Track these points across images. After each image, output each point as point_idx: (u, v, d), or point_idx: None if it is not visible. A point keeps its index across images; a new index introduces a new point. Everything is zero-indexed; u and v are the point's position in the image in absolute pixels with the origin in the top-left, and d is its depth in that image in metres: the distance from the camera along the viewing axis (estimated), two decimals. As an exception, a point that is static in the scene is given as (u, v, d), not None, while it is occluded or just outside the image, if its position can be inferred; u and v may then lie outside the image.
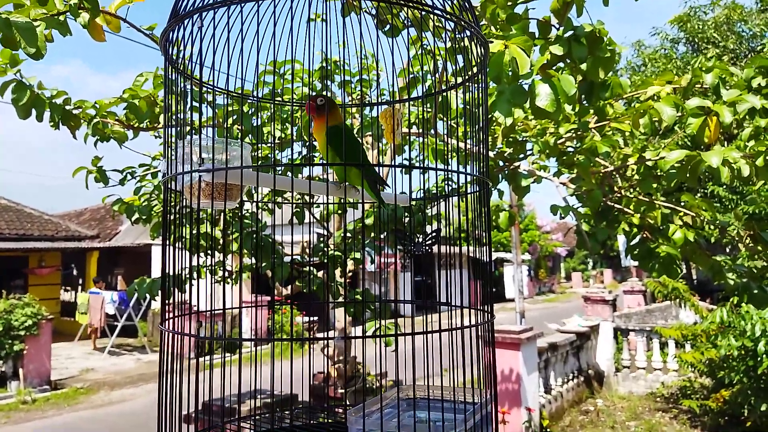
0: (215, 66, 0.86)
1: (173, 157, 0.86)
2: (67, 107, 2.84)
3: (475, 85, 1.04)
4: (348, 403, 1.38)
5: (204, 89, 0.93)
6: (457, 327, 0.85)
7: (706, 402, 7.57)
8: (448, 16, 0.86)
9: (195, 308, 0.96)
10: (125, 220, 17.72)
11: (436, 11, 0.87)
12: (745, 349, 6.71)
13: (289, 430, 1.13)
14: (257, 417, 1.14)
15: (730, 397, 7.17)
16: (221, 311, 1.22)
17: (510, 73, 1.87)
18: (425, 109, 2.96)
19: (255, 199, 3.32)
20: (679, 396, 8.54)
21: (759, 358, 6.51)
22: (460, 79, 1.11)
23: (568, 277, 34.05)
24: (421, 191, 2.94)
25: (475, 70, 1.01)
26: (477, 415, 0.87)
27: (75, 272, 16.40)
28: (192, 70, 0.85)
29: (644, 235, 2.95)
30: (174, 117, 0.89)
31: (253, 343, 12.27)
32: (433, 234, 1.02)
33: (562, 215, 2.65)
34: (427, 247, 1.00)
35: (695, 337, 7.87)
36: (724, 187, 10.51)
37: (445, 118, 2.51)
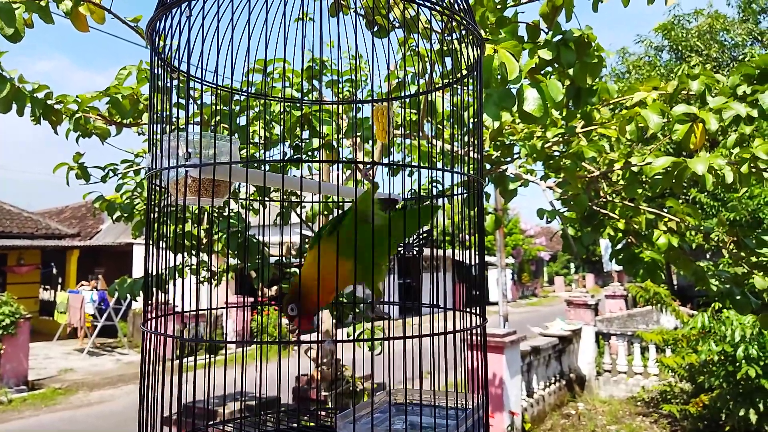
0: (203, 58, 0.83)
1: (158, 153, 0.83)
2: (49, 102, 2.78)
3: (465, 87, 1.02)
4: (332, 405, 1.36)
5: (191, 83, 0.90)
6: (451, 331, 0.84)
7: (685, 407, 7.65)
8: (442, 9, 0.85)
9: (177, 309, 0.93)
10: (106, 218, 17.53)
11: (434, 6, 0.85)
12: (725, 354, 6.80)
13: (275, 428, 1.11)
14: (241, 420, 1.12)
15: (709, 402, 7.26)
16: (205, 311, 1.19)
17: (499, 78, 1.86)
18: (411, 111, 2.95)
19: (240, 198, 3.29)
20: (659, 400, 8.62)
21: (738, 364, 6.60)
22: (448, 81, 1.10)
23: (551, 281, 34.28)
24: (410, 192, 2.92)
25: (465, 72, 1.00)
26: (469, 420, 0.86)
27: (55, 271, 16.15)
28: (180, 61, 0.83)
29: (629, 240, 2.96)
30: (159, 113, 0.86)
31: (236, 345, 12.19)
32: (425, 235, 1.00)
33: (549, 219, 2.65)
34: (417, 248, 0.99)
35: (676, 341, 7.96)
36: (706, 194, 10.65)
37: (432, 121, 2.50)
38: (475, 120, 1.04)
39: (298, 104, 2.36)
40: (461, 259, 0.97)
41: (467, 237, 0.94)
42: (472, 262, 0.91)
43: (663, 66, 14.57)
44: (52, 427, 7.57)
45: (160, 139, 0.83)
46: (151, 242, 0.87)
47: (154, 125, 0.85)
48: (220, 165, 0.80)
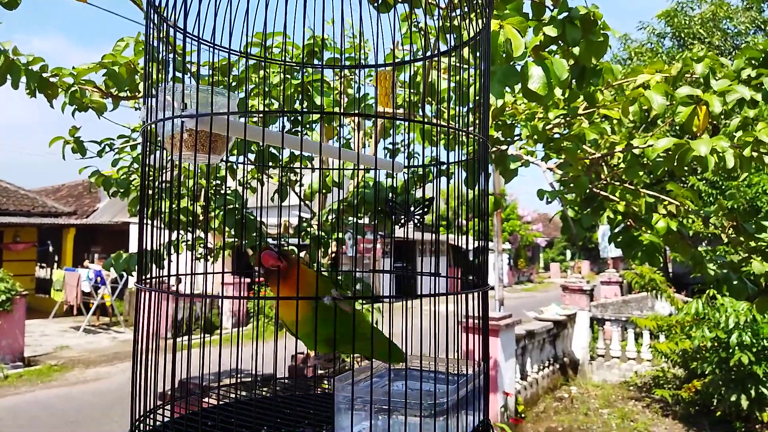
0: (200, 19, 0.80)
1: (153, 105, 0.80)
2: (44, 75, 2.74)
3: (470, 53, 1.00)
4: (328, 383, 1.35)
5: (188, 43, 0.87)
6: (458, 291, 0.82)
7: (678, 392, 7.72)
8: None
9: (173, 284, 0.91)
10: (103, 197, 17.45)
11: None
12: (718, 340, 6.84)
13: (272, 399, 1.10)
14: (236, 386, 1.11)
15: (701, 388, 7.32)
16: (201, 290, 1.17)
17: (503, 54, 1.83)
18: (412, 91, 2.91)
19: (238, 177, 3.26)
20: (651, 385, 8.69)
21: (731, 350, 6.65)
22: (454, 44, 1.07)
23: (547, 267, 34.41)
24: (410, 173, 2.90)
25: (471, 35, 0.97)
26: (469, 385, 0.85)
27: (51, 249, 16.11)
28: (177, 18, 0.80)
29: (628, 223, 2.95)
30: (156, 66, 0.83)
31: (231, 324, 12.21)
32: (427, 203, 0.98)
33: (549, 199, 2.64)
34: (419, 217, 0.97)
35: (670, 327, 8.01)
36: (705, 182, 10.65)
37: (433, 101, 2.47)
38: (479, 97, 1.01)
39: (297, 73, 2.32)
40: (457, 243, 0.95)
41: (465, 220, 0.92)
42: (476, 229, 0.89)
43: (665, 53, 14.48)
44: (48, 403, 7.59)
45: (156, 90, 0.80)
46: (145, 200, 0.84)
47: (149, 79, 0.82)
48: (217, 115, 0.76)
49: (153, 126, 0.81)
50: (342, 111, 2.26)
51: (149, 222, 0.88)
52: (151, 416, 0.85)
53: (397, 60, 1.20)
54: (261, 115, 2.25)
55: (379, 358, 0.94)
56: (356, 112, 2.34)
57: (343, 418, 0.83)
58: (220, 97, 0.85)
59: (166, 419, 0.87)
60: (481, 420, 0.86)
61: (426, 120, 1.80)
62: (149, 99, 0.79)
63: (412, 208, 0.97)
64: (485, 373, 0.85)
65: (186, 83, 0.82)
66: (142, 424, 0.82)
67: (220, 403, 1.06)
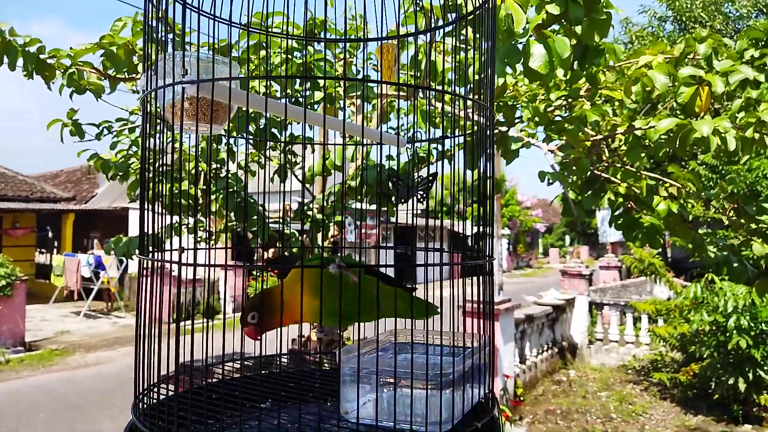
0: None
1: (152, 73, 0.78)
2: (42, 56, 2.72)
3: (470, 29, 0.98)
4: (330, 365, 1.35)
5: (188, 17, 0.85)
6: (461, 262, 0.82)
7: (676, 375, 7.78)
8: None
9: (174, 266, 0.89)
10: (102, 182, 17.40)
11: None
12: (716, 324, 6.88)
13: (276, 374, 1.10)
14: (241, 364, 1.11)
15: (699, 371, 7.37)
16: (201, 272, 1.16)
17: (505, 31, 1.81)
18: (411, 74, 2.89)
19: (238, 159, 3.24)
20: (650, 369, 8.75)
21: (729, 334, 6.69)
22: (456, 17, 1.05)
23: (546, 252, 34.48)
24: (410, 151, 2.88)
25: (475, 5, 0.95)
26: (475, 357, 0.85)
27: (50, 234, 16.11)
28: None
29: (629, 206, 2.95)
30: (156, 46, 0.81)
31: (232, 309, 12.25)
32: (430, 177, 0.97)
33: (550, 181, 2.63)
34: (422, 192, 0.96)
35: (668, 312, 8.04)
36: (704, 166, 10.63)
37: (433, 83, 2.44)
38: (484, 68, 1.00)
39: (299, 53, 2.30)
40: (456, 229, 0.95)
41: (464, 205, 0.91)
42: (481, 197, 0.88)
43: (666, 37, 14.39)
44: (50, 387, 7.64)
45: (155, 57, 0.78)
46: (146, 176, 0.83)
47: (148, 45, 0.80)
48: (219, 81, 0.75)
49: (153, 95, 0.79)
50: (345, 88, 2.23)
51: (149, 205, 0.87)
52: (155, 389, 0.85)
53: (400, 34, 1.19)
54: (263, 85, 2.24)
55: (404, 316, 0.92)
56: (362, 78, 2.32)
57: (348, 390, 0.83)
58: (222, 65, 0.83)
59: (170, 393, 0.87)
60: (485, 393, 0.86)
61: (431, 92, 1.78)
62: (149, 68, 0.78)
63: (416, 183, 0.96)
64: (490, 346, 0.84)
65: (186, 51, 0.80)
66: (146, 397, 0.82)
67: (225, 378, 1.06)
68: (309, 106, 2.29)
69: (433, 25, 1.76)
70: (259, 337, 0.97)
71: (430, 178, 0.98)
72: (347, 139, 1.58)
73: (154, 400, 0.84)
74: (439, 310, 0.94)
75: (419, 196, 0.97)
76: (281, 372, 1.10)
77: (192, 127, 0.84)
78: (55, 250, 15.55)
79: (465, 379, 0.81)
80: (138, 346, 0.81)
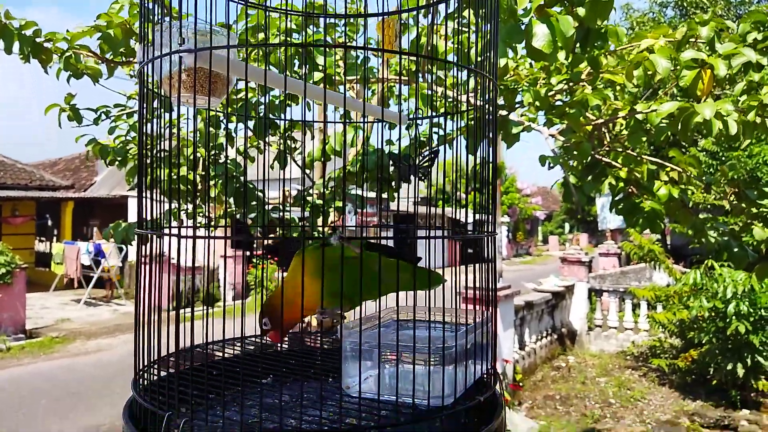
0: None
1: (148, 46, 0.76)
2: (38, 39, 2.69)
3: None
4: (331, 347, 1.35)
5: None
6: (465, 235, 0.81)
7: (674, 361, 7.81)
8: None
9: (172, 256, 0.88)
10: (100, 170, 17.34)
11: None
12: (715, 310, 6.90)
13: (277, 352, 1.10)
14: (242, 343, 1.10)
15: (698, 357, 7.40)
16: (200, 258, 1.16)
17: (507, 10, 1.79)
18: (411, 60, 2.86)
19: (236, 144, 3.22)
20: (648, 355, 8.79)
21: (728, 320, 6.71)
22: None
23: (546, 240, 34.52)
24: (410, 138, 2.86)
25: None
26: (477, 331, 0.84)
27: (50, 223, 16.10)
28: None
29: (629, 191, 2.94)
30: (152, 26, 0.80)
31: (231, 296, 12.24)
32: (431, 153, 0.96)
33: (551, 165, 2.62)
34: (423, 169, 0.95)
35: (668, 298, 8.06)
36: (705, 153, 10.61)
37: (433, 69, 2.42)
38: (486, 52, 0.98)
39: (299, 32, 2.27)
40: (456, 217, 0.94)
41: (465, 193, 0.90)
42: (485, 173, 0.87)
43: (667, 23, 14.31)
44: (51, 374, 7.67)
45: (152, 29, 0.77)
46: (144, 154, 0.82)
47: (144, 25, 0.79)
48: (216, 50, 0.73)
49: (150, 66, 0.78)
50: (345, 58, 2.22)
51: (147, 188, 0.86)
52: (155, 367, 0.84)
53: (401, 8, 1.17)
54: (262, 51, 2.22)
55: (407, 288, 0.91)
56: (363, 46, 2.30)
57: (350, 366, 0.83)
58: (220, 36, 0.82)
59: (170, 370, 0.87)
60: (488, 368, 0.86)
61: (434, 64, 1.76)
62: (145, 39, 0.77)
63: (417, 160, 0.95)
64: (493, 320, 0.84)
65: (183, 22, 0.78)
66: (146, 374, 0.82)
67: (225, 355, 1.05)
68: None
69: (433, 0, 1.74)
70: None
71: (432, 155, 0.96)
72: (348, 118, 1.57)
73: (155, 377, 0.84)
74: (444, 279, 0.94)
75: (421, 175, 0.96)
76: (282, 350, 1.10)
77: (189, 99, 0.83)
78: (54, 238, 15.56)
79: (467, 355, 0.80)
80: (138, 323, 0.81)
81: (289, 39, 2.38)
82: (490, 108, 0.87)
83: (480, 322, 0.85)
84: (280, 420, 0.73)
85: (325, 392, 0.84)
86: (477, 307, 0.85)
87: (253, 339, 1.14)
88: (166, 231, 0.99)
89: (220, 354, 1.13)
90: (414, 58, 2.90)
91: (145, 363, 0.82)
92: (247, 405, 0.82)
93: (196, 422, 0.72)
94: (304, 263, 0.85)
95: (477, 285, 0.88)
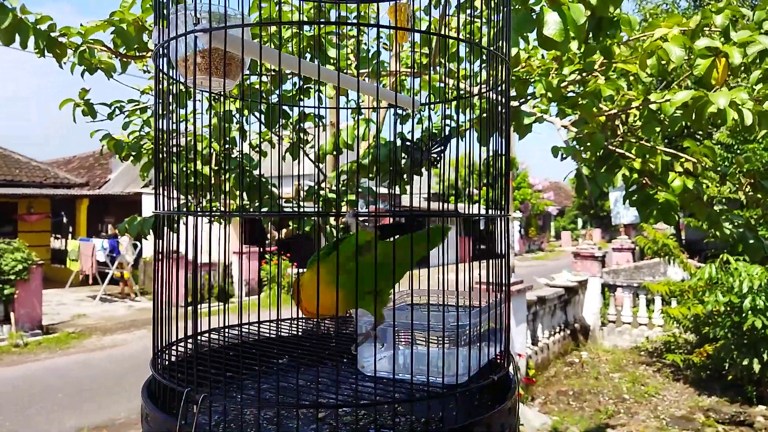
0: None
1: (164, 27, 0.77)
2: (52, 34, 2.72)
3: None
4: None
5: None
6: (477, 215, 0.81)
7: (689, 356, 7.75)
8: None
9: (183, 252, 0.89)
10: (114, 168, 17.46)
11: None
12: (731, 305, 6.82)
13: (293, 336, 1.11)
14: (258, 325, 1.11)
15: (713, 352, 7.33)
16: (214, 256, 1.16)
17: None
18: (423, 53, 2.86)
19: (248, 139, 3.24)
20: (662, 350, 8.73)
21: (744, 314, 6.63)
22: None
23: (558, 236, 34.33)
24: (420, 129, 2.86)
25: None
26: (491, 312, 0.84)
27: (65, 220, 16.29)
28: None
29: (644, 182, 2.91)
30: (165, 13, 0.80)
31: (245, 292, 12.28)
32: (444, 139, 0.96)
33: (564, 155, 2.60)
34: (436, 154, 0.95)
35: (682, 293, 7.99)
36: (720, 146, 10.49)
37: (443, 61, 2.42)
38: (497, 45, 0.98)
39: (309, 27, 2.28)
40: (468, 212, 0.93)
41: (478, 189, 0.90)
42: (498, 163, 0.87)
43: (681, 14, 14.15)
44: (66, 370, 7.77)
45: (167, 11, 0.77)
46: (160, 136, 0.83)
47: (160, 21, 0.79)
48: (231, 29, 0.73)
49: (166, 47, 0.79)
50: (356, 79, 2.22)
51: (163, 186, 0.86)
52: (174, 347, 0.86)
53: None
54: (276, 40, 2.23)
55: (422, 254, 0.89)
56: (377, 23, 2.31)
57: (365, 348, 0.83)
58: (234, 19, 0.82)
59: (188, 350, 0.88)
60: (501, 350, 0.86)
61: (447, 42, 1.75)
62: (160, 21, 0.77)
63: (429, 145, 0.95)
64: (506, 302, 0.84)
65: (198, 4, 0.78)
66: (165, 354, 0.83)
67: (242, 338, 1.06)
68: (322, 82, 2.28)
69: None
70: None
71: (444, 141, 0.96)
72: (363, 103, 1.57)
73: (173, 358, 0.85)
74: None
75: (434, 159, 0.96)
76: (298, 333, 1.11)
77: (204, 82, 0.84)
78: (69, 236, 15.73)
79: (481, 335, 0.81)
80: (156, 304, 0.82)
81: (301, 31, 2.39)
82: (503, 89, 0.87)
83: (493, 304, 0.85)
84: (296, 395, 0.74)
85: (341, 375, 0.84)
86: (490, 290, 0.85)
87: (268, 324, 1.15)
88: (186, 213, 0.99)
89: (237, 338, 1.14)
90: (425, 52, 2.90)
91: (164, 344, 0.83)
92: (264, 388, 0.82)
93: (215, 397, 0.73)
94: (319, 274, 0.83)
95: (490, 280, 0.88)
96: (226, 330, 1.03)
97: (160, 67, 0.81)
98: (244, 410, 0.78)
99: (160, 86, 0.81)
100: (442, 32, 2.42)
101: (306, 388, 0.82)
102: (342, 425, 0.75)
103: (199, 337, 0.89)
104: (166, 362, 0.84)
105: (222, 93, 0.96)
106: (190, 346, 0.86)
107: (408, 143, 0.99)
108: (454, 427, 0.67)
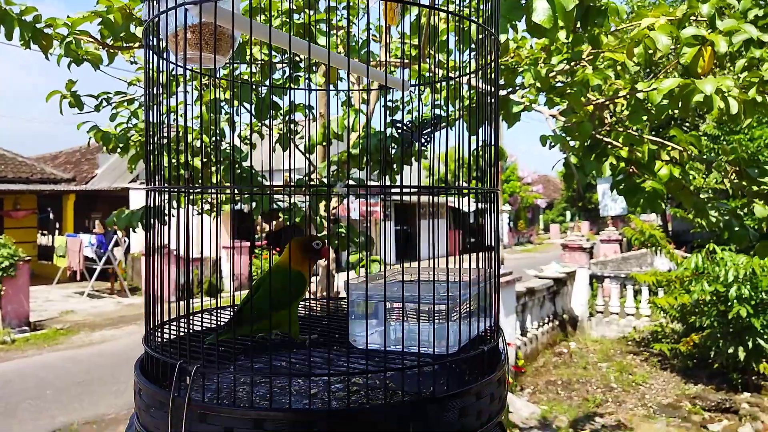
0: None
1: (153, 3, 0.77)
2: (38, 25, 2.69)
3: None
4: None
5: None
6: (464, 187, 0.82)
7: (676, 345, 7.84)
8: None
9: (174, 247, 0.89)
10: (101, 163, 17.27)
11: None
12: (717, 294, 6.91)
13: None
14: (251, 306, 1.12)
15: (699, 341, 7.43)
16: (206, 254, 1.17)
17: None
18: (411, 45, 2.86)
19: (237, 130, 3.23)
20: (650, 340, 8.83)
21: (730, 303, 6.73)
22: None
23: (547, 228, 34.54)
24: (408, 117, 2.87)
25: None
26: (481, 284, 0.85)
27: (52, 216, 16.13)
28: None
29: (630, 170, 2.95)
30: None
31: (235, 287, 12.24)
32: (434, 121, 0.97)
33: (552, 144, 2.62)
34: (426, 136, 0.96)
35: (669, 283, 8.08)
36: (706, 136, 10.60)
37: (433, 50, 2.42)
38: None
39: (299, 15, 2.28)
40: (457, 206, 0.95)
41: (467, 182, 0.91)
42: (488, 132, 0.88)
43: (669, 6, 14.25)
44: (56, 366, 7.72)
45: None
46: (150, 122, 0.83)
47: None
48: (221, 0, 0.74)
49: (156, 20, 0.78)
50: (346, 57, 2.22)
51: (153, 178, 0.87)
52: (166, 326, 0.86)
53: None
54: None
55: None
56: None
57: (356, 323, 0.84)
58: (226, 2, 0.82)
59: (180, 329, 0.89)
60: (491, 325, 0.88)
61: (437, 14, 1.75)
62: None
63: (419, 127, 0.96)
64: (496, 276, 0.85)
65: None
66: (157, 332, 0.84)
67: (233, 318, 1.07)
68: (312, 68, 2.28)
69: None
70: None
71: (434, 121, 0.97)
72: (352, 84, 1.57)
73: (166, 337, 0.85)
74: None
75: (423, 141, 0.96)
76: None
77: (195, 58, 0.84)
78: (56, 231, 15.59)
79: (471, 308, 0.82)
80: (148, 284, 0.82)
81: (291, 20, 2.38)
82: (492, 67, 0.87)
83: (483, 277, 0.86)
84: (288, 366, 0.75)
85: (332, 354, 0.85)
86: (480, 266, 0.87)
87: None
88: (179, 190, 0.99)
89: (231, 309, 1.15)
90: (414, 42, 2.90)
91: (156, 323, 0.84)
92: (257, 369, 0.83)
93: (208, 369, 0.73)
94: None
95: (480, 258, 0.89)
96: (218, 311, 1.03)
97: (151, 45, 0.81)
98: (236, 387, 0.78)
99: (151, 66, 0.81)
100: (431, 21, 2.43)
101: (300, 364, 0.83)
102: (335, 400, 0.76)
103: (191, 317, 0.89)
104: (159, 338, 0.84)
105: (213, 75, 0.96)
106: (182, 323, 0.87)
107: (399, 123, 0.99)
108: (444, 395, 0.68)
